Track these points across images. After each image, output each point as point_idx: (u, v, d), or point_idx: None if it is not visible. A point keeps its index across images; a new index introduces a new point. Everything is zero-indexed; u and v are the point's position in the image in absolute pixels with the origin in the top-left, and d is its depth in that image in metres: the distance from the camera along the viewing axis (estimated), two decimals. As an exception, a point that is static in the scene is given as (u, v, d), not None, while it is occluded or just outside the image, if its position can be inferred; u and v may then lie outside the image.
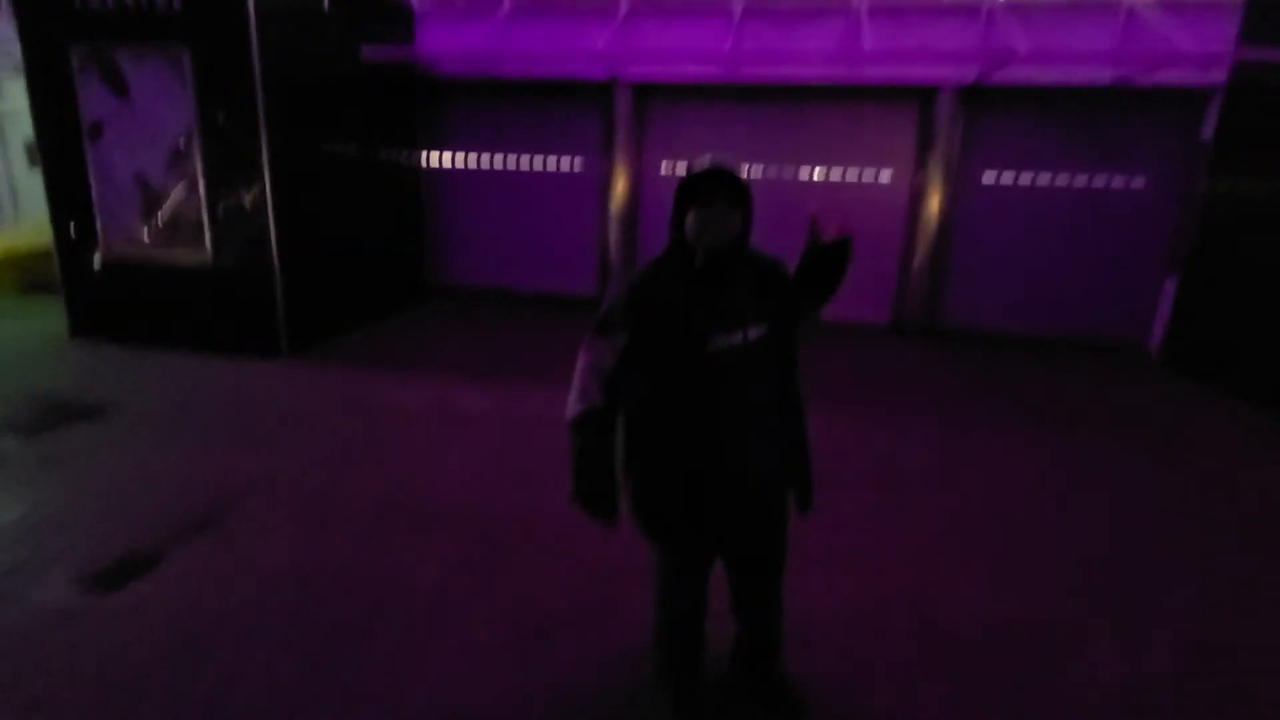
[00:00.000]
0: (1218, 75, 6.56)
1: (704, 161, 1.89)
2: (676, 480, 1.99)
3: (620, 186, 8.19)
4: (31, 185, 9.72)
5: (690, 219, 1.89)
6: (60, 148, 6.13)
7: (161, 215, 6.07)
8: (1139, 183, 7.18)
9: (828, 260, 1.89)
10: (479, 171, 8.67)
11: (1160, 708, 2.46)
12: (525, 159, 8.53)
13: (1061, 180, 7.34)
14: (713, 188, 1.86)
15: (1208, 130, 6.76)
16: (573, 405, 1.97)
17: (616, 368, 1.92)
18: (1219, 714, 2.45)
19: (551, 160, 8.48)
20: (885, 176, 7.74)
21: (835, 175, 7.79)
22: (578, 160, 8.39)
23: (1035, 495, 4.06)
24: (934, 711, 2.40)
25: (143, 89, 5.84)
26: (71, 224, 6.27)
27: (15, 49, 6.10)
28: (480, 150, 8.61)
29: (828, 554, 3.26)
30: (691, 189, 1.88)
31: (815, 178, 7.80)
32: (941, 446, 4.72)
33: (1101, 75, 6.77)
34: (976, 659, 2.66)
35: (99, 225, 6.20)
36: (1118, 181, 7.23)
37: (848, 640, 2.73)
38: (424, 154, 8.61)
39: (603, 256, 8.49)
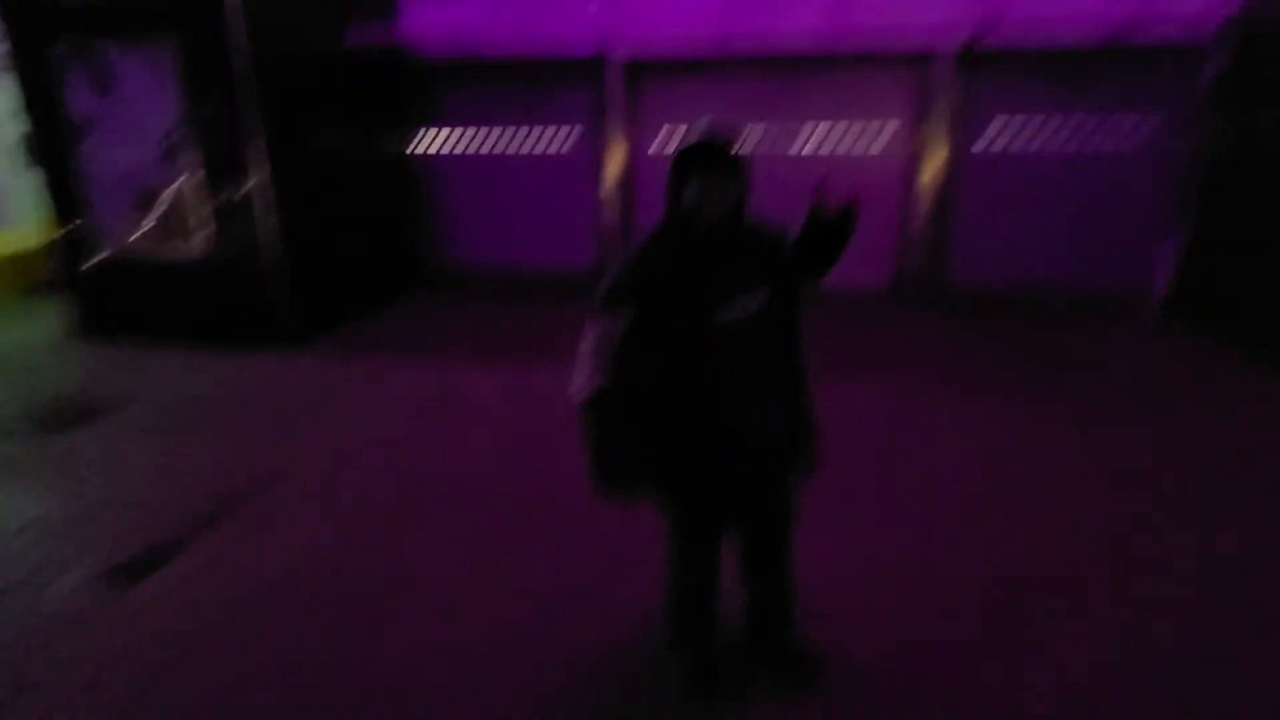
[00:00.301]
0: (1217, 26, 6.45)
1: (698, 130, 1.87)
2: (685, 448, 2.01)
3: (615, 163, 8.12)
4: (24, 187, 9.71)
5: (687, 190, 1.87)
6: (52, 147, 6.10)
7: (157, 210, 6.06)
8: (1140, 136, 7.09)
9: (831, 231, 1.88)
10: (474, 153, 8.60)
11: (1162, 669, 2.49)
12: (519, 139, 8.46)
13: (1062, 138, 7.25)
14: (708, 158, 1.85)
15: (1208, 81, 6.66)
16: (581, 386, 1.97)
17: (622, 344, 1.92)
18: (1224, 675, 2.49)
19: (545, 139, 8.41)
20: (883, 142, 7.65)
21: (833, 143, 7.71)
22: (571, 138, 8.32)
23: (1040, 455, 4.07)
24: (943, 676, 2.44)
25: (130, 83, 5.79)
26: (68, 224, 6.27)
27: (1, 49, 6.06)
28: (474, 131, 8.54)
29: (833, 522, 3.29)
30: (686, 160, 1.87)
31: (812, 147, 7.72)
32: (946, 410, 4.72)
33: (1099, 30, 6.65)
34: (984, 622, 2.69)
35: (95, 224, 6.19)
36: (1118, 136, 7.14)
37: (855, 608, 2.77)
38: (417, 137, 8.55)
39: (600, 233, 8.46)
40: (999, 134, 7.38)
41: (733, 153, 1.86)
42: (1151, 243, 7.23)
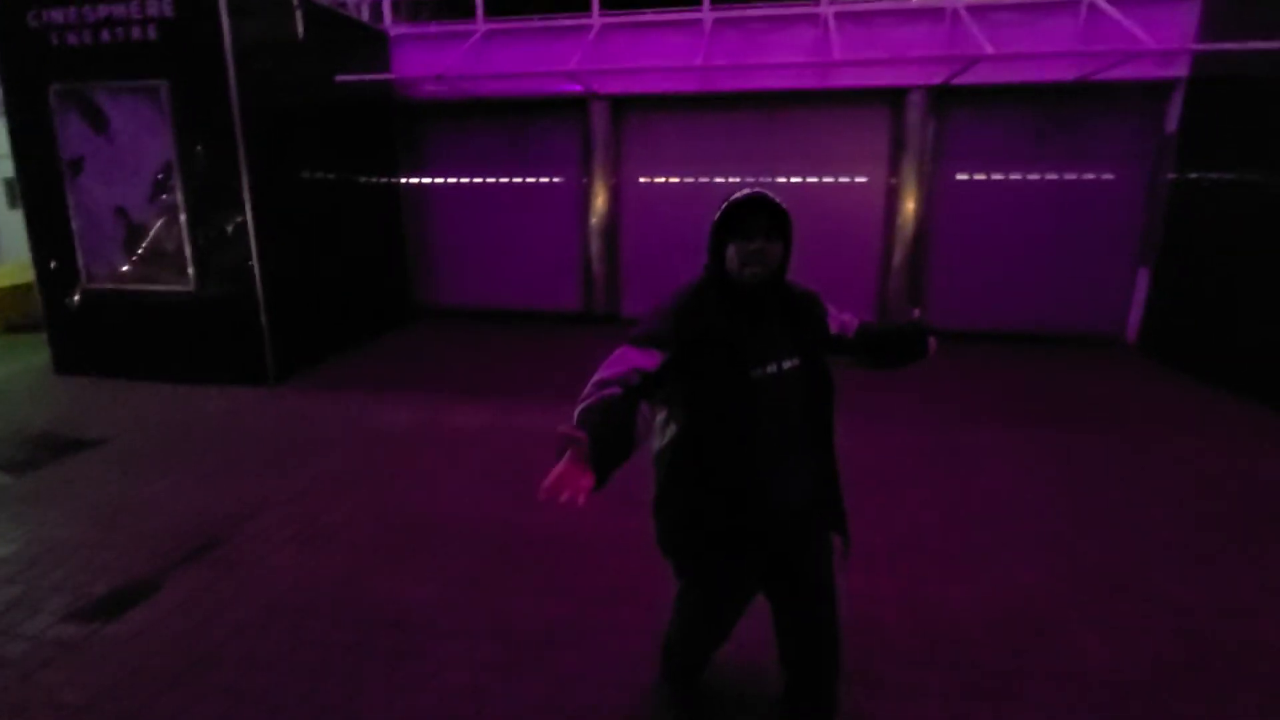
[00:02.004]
0: (1180, 68, 6.76)
1: (744, 191, 1.81)
2: (715, 511, 1.91)
3: (600, 200, 8.27)
4: (12, 223, 9.71)
5: (731, 251, 1.82)
6: (41, 185, 6.14)
7: (144, 247, 6.09)
8: (1108, 175, 7.35)
9: (907, 352, 2.15)
10: (460, 191, 8.74)
11: (1155, 694, 2.51)
12: (505, 177, 8.61)
13: (1033, 176, 7.50)
14: (755, 219, 1.82)
15: (1172, 122, 6.94)
16: (583, 401, 1.72)
17: (640, 387, 1.76)
18: (1213, 699, 2.51)
19: (531, 177, 8.57)
20: (861, 179, 7.87)
21: (812, 180, 7.91)
22: (557, 176, 8.48)
23: (1022, 489, 4.13)
24: (936, 704, 2.45)
25: (123, 123, 5.86)
26: (52, 260, 6.27)
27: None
28: (460, 170, 8.69)
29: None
30: (732, 220, 1.82)
31: (792, 183, 7.91)
32: (927, 444, 4.79)
33: (1066, 72, 6.94)
34: (975, 652, 2.71)
35: (81, 260, 6.21)
36: (1088, 175, 7.40)
37: (847, 637, 2.75)
38: (404, 176, 8.67)
39: (585, 270, 8.57)
40: (971, 172, 7.62)
41: (778, 214, 1.82)
42: (1124, 279, 7.43)
